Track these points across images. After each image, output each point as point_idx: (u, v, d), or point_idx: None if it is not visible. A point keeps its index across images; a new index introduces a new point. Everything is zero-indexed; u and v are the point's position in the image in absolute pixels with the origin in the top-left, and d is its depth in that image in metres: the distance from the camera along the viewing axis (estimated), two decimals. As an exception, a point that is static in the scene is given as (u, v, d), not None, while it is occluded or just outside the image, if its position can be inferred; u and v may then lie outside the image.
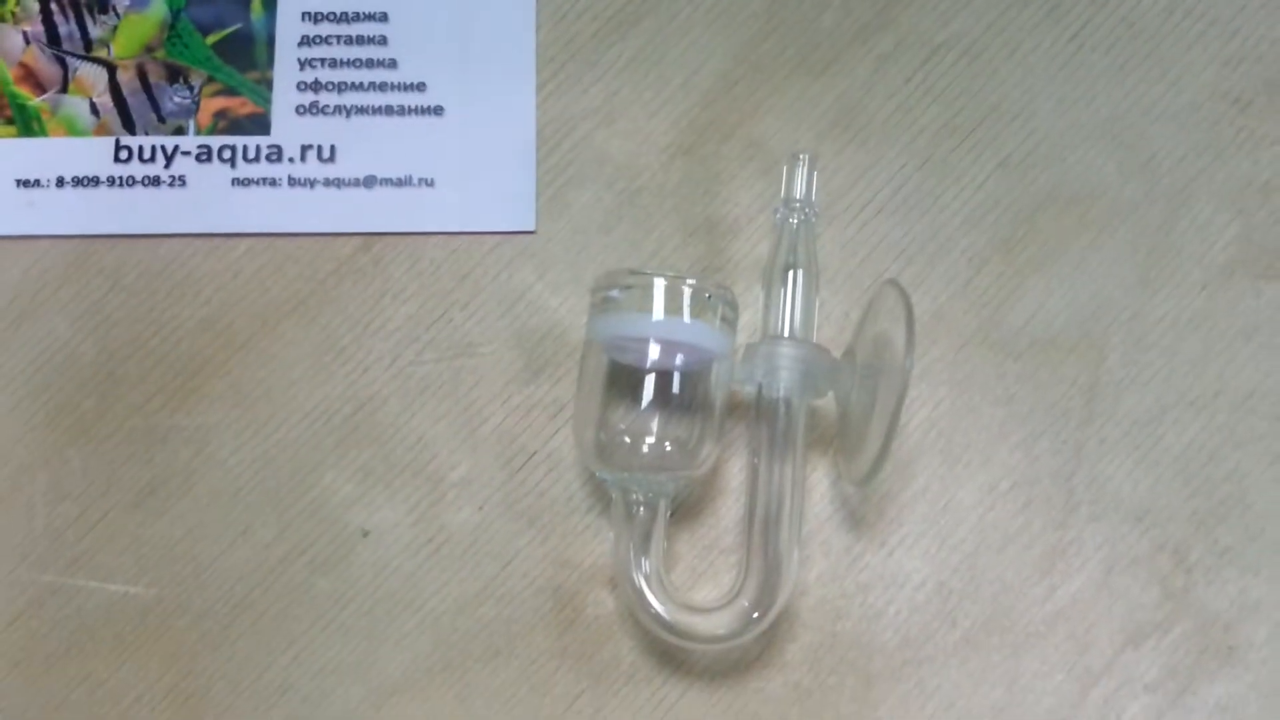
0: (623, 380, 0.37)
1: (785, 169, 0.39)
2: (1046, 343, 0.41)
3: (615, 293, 0.37)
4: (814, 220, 0.39)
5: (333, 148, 0.41)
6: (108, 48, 0.41)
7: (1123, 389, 0.40)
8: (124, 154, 0.40)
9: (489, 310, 0.41)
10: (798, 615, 0.38)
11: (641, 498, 0.37)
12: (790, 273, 0.38)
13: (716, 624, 0.36)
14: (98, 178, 0.40)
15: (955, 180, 0.42)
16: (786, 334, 0.38)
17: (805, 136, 0.42)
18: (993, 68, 0.43)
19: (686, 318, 0.36)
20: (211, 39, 0.41)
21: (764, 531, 0.37)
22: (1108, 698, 0.38)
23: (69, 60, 0.41)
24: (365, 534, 0.39)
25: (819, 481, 0.39)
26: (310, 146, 0.41)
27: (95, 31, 0.41)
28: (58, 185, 0.40)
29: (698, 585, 0.39)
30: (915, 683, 0.38)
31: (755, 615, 0.36)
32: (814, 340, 0.38)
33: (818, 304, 0.39)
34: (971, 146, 0.42)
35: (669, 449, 0.36)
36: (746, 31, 0.43)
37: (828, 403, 0.39)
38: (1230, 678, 0.38)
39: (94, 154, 0.40)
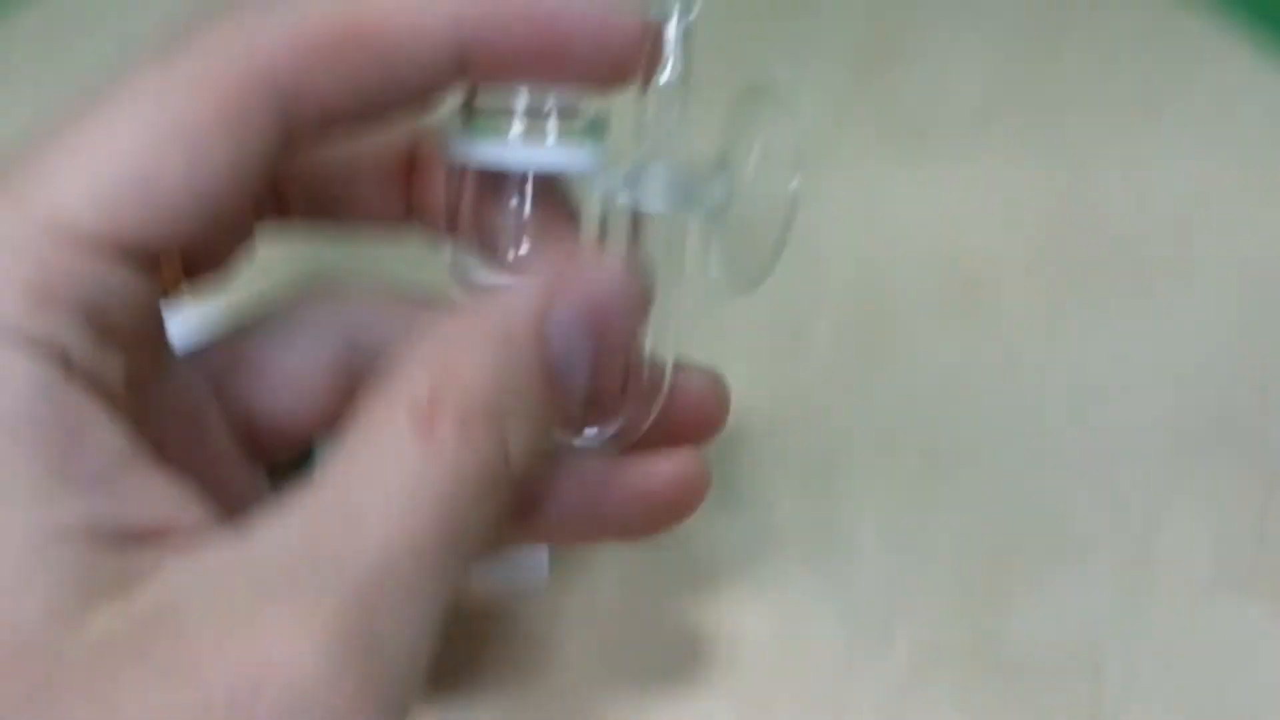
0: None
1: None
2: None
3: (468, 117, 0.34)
4: (689, 20, 0.36)
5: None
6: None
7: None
8: None
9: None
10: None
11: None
12: (656, 81, 0.36)
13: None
14: None
15: None
16: (653, 143, 0.36)
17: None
18: None
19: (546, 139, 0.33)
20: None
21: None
22: None
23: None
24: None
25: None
26: None
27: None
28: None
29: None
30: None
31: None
32: (688, 148, 0.36)
33: (688, 114, 0.37)
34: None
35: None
36: None
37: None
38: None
39: None
